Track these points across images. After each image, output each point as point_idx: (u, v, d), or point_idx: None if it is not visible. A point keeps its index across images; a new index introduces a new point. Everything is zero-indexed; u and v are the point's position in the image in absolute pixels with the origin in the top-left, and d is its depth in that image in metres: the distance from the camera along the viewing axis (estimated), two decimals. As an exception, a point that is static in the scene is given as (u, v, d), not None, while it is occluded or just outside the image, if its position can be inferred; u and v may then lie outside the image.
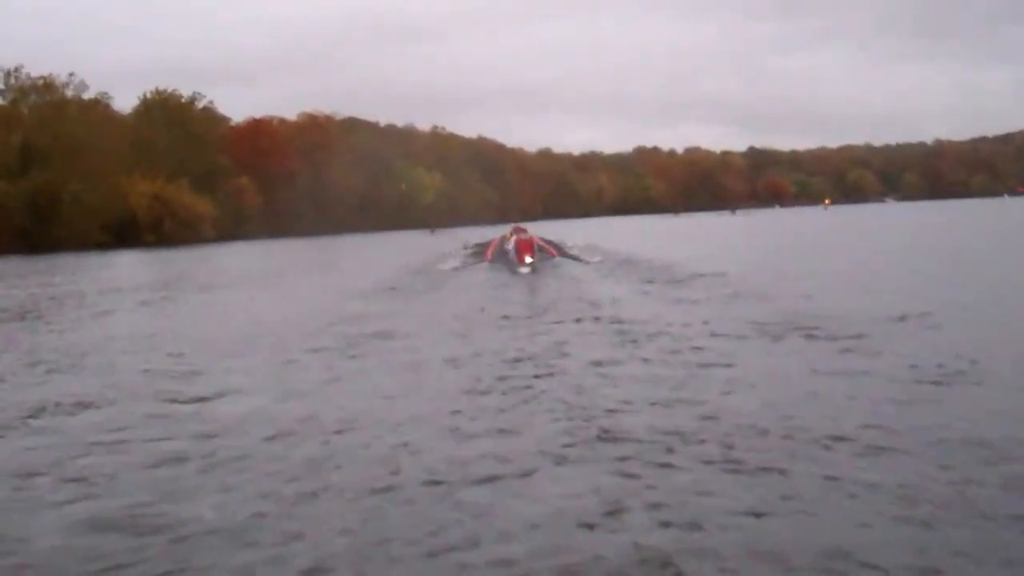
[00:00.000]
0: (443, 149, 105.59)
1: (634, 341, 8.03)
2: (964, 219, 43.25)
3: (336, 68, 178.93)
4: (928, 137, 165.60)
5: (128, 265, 35.51)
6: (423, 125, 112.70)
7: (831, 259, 19.95)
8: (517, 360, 7.36)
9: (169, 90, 75.77)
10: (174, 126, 72.79)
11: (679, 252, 22.96)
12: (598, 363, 7.03)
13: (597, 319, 9.84)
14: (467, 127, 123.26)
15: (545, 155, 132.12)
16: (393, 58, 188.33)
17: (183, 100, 76.32)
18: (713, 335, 8.17)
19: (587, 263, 18.96)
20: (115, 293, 18.53)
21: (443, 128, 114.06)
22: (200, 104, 77.35)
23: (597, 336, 8.61)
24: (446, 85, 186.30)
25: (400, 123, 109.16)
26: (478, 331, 9.37)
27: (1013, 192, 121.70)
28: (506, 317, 10.38)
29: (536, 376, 6.60)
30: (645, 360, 7.08)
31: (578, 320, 9.84)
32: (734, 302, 10.84)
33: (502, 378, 6.59)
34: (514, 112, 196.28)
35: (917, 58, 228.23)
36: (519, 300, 12.71)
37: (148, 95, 75.42)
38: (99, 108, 69.56)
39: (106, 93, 70.99)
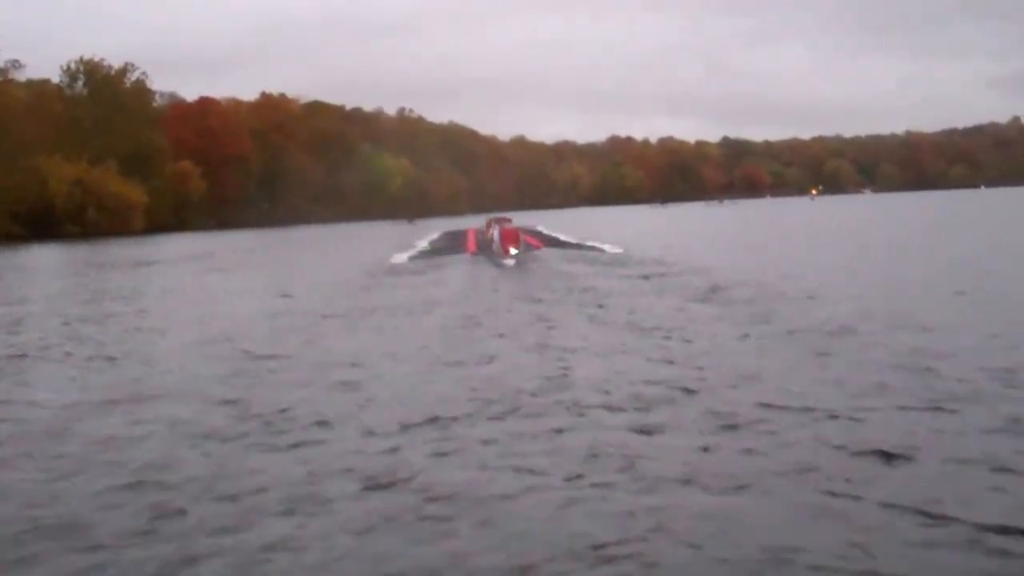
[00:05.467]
0: (411, 133, 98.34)
1: None
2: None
3: (307, 61, 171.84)
4: (896, 129, 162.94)
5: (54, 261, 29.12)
6: (391, 111, 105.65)
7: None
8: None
9: (96, 59, 66.12)
10: (101, 101, 63.57)
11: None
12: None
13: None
14: (440, 119, 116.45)
15: (519, 143, 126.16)
16: (365, 52, 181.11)
17: (112, 72, 66.69)
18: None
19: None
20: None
21: (411, 111, 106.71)
22: (132, 76, 67.83)
23: None
24: (418, 78, 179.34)
25: (367, 108, 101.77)
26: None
27: (990, 183, 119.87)
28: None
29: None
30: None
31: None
32: None
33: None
34: (486, 105, 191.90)
35: (873, 53, 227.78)
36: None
37: (72, 64, 65.75)
38: (9, 80, 59.83)
39: (17, 61, 61.16)
